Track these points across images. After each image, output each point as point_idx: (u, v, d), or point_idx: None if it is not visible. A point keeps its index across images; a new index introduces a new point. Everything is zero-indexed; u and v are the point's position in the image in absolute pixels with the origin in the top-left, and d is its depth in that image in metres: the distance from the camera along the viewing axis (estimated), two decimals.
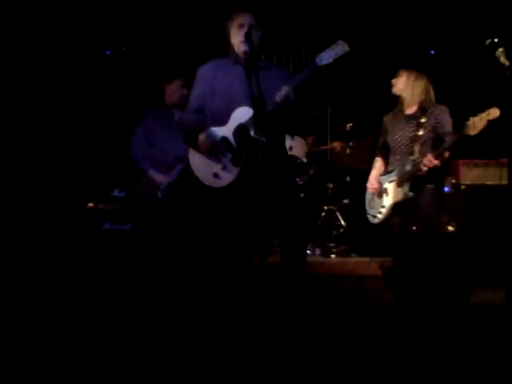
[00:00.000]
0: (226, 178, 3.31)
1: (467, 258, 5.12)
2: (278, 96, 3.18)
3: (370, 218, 4.26)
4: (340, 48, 3.23)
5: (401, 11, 6.00)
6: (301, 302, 3.33)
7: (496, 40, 3.50)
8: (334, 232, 5.46)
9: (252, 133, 3.21)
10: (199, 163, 3.42)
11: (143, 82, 6.00)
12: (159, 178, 4.60)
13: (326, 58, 3.24)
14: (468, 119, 3.66)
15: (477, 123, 3.59)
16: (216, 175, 3.34)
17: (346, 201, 5.64)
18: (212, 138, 3.33)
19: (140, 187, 4.73)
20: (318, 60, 3.25)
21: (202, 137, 3.34)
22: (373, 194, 4.24)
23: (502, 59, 3.47)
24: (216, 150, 3.33)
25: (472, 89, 5.76)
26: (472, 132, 3.61)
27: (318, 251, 5.30)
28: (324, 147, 5.76)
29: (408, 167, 3.92)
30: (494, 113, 3.56)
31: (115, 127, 5.73)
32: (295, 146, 5.40)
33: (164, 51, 6.14)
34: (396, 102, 4.19)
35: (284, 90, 3.18)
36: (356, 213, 5.51)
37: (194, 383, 2.67)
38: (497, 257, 4.81)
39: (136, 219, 4.81)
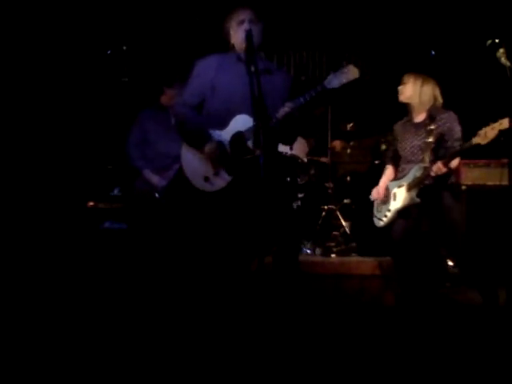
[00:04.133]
0: (217, 184, 3.26)
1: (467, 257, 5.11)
2: (281, 113, 3.15)
3: (376, 221, 4.28)
4: (350, 74, 3.20)
5: (401, 11, 6.01)
6: (295, 302, 3.32)
7: (497, 41, 3.49)
8: (335, 232, 5.46)
9: (249, 143, 3.18)
10: (191, 165, 3.36)
11: (143, 82, 6.00)
12: (155, 179, 4.62)
13: (335, 82, 3.20)
14: (468, 123, 3.65)
15: (488, 133, 3.56)
16: (207, 179, 3.28)
17: (346, 200, 5.64)
18: (220, 148, 3.25)
19: (137, 187, 4.73)
20: (326, 83, 3.21)
21: (212, 145, 3.25)
22: (378, 200, 4.26)
23: (503, 60, 3.45)
24: (219, 158, 3.26)
25: (472, 90, 5.76)
26: (483, 141, 3.59)
27: (318, 251, 5.30)
28: (323, 159, 5.74)
29: (418, 173, 3.93)
30: (506, 123, 3.51)
31: (116, 126, 5.73)
32: (295, 146, 5.39)
33: (165, 51, 6.15)
34: (397, 102, 4.16)
35: (288, 107, 3.16)
36: (356, 212, 5.52)
37: (192, 383, 2.67)
38: (497, 257, 4.81)
39: (132, 219, 4.82)
